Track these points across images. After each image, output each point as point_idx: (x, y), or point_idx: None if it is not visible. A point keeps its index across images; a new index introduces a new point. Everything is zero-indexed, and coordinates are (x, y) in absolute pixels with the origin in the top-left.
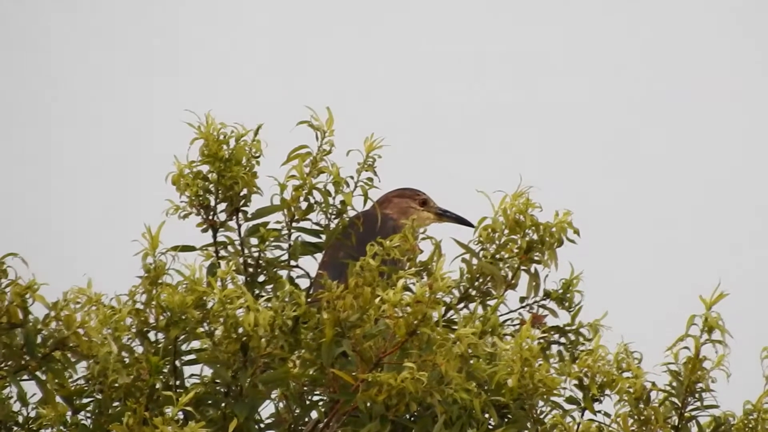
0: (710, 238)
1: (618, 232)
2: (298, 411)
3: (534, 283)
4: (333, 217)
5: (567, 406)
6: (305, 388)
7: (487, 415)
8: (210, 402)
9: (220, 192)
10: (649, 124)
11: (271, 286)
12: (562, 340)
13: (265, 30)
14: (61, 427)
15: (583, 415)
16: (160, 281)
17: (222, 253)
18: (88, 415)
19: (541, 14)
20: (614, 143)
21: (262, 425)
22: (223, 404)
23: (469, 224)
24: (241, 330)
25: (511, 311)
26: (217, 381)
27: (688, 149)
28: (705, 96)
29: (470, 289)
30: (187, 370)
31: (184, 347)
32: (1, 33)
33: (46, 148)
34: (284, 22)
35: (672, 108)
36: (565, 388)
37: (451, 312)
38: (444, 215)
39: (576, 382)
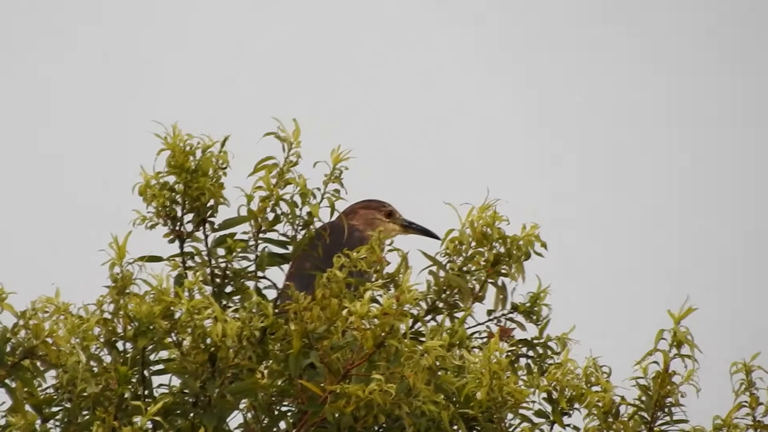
0: (678, 252)
1: (586, 245)
2: (266, 422)
3: (501, 296)
4: (300, 228)
5: (536, 420)
6: (273, 399)
7: (455, 428)
8: (178, 412)
9: (186, 203)
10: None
11: (239, 296)
12: (530, 353)
13: (231, 40)
14: None
15: (552, 428)
16: (127, 291)
17: (189, 263)
18: (57, 423)
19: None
20: (583, 154)
21: None
22: (191, 414)
23: (434, 236)
24: (209, 340)
25: (479, 324)
26: (186, 391)
27: (657, 157)
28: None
29: (437, 302)
30: (156, 380)
31: (152, 357)
32: None
33: (17, 151)
34: (251, 32)
35: (624, 123)
36: (534, 402)
37: (419, 324)
38: (410, 227)
39: (545, 395)
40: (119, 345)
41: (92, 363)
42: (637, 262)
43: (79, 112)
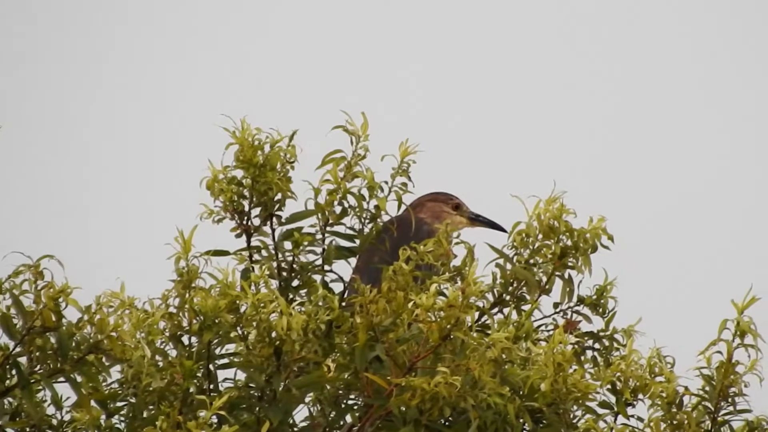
0: (744, 243)
1: (650, 237)
2: (332, 415)
3: (568, 289)
4: (367, 221)
5: (600, 411)
6: (339, 393)
7: (521, 420)
8: (244, 406)
9: (254, 197)
10: (691, 133)
11: (305, 290)
12: (596, 345)
13: (299, 34)
14: (95, 431)
15: (616, 419)
16: (193, 285)
17: (256, 257)
18: (122, 418)
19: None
20: (649, 146)
21: (295, 429)
22: (256, 408)
23: (501, 229)
24: (274, 334)
25: (545, 317)
26: (251, 385)
27: (727, 155)
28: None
29: (504, 294)
30: (221, 374)
31: (217, 351)
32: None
33: (81, 150)
34: (318, 25)
35: (722, 116)
36: (598, 393)
37: (485, 317)
38: (477, 220)
39: (609, 386)
40: (184, 339)
41: (157, 357)
42: (702, 253)
43: (147, 107)
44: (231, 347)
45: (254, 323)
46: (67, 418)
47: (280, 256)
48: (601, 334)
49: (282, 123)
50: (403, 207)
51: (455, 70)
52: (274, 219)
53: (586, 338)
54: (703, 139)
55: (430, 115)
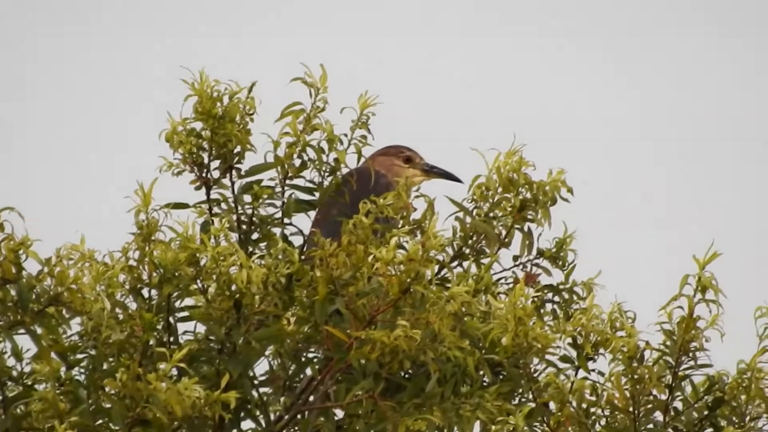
0: (704, 197)
1: (611, 191)
2: (292, 368)
3: (527, 242)
4: (326, 174)
5: (561, 365)
6: (299, 346)
7: (481, 373)
8: (203, 359)
9: (213, 149)
10: (650, 79)
11: (265, 243)
12: (556, 298)
13: None
14: (55, 383)
15: (576, 373)
16: (153, 238)
17: (215, 210)
18: (82, 370)
19: None
20: (607, 95)
21: (255, 382)
22: (216, 361)
23: (457, 180)
24: (234, 287)
25: (505, 270)
26: (211, 338)
27: (684, 103)
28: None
29: (463, 248)
30: (181, 327)
31: (177, 304)
32: None
33: (41, 102)
34: None
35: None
36: (558, 347)
37: (445, 270)
38: (431, 171)
39: (570, 340)
40: (144, 292)
41: (117, 310)
42: (663, 208)
43: (104, 61)
44: (191, 300)
45: (214, 276)
46: (27, 369)
47: (239, 209)
48: (561, 287)
49: (241, 75)
50: (362, 161)
51: (414, 19)
52: (234, 172)
53: (546, 291)
54: (664, 85)
55: (390, 68)
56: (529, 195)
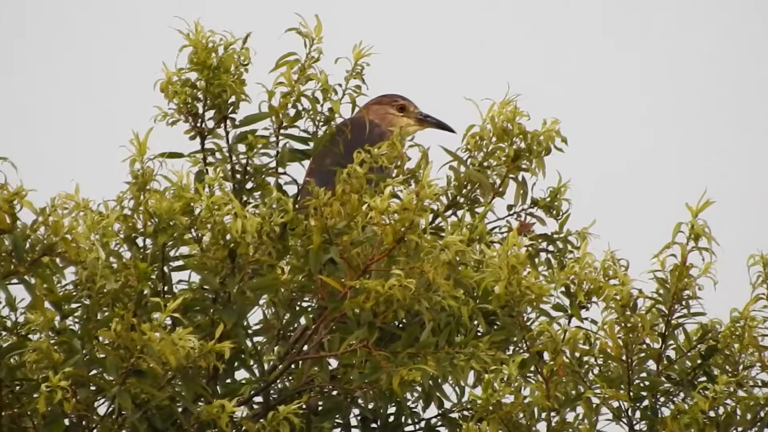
0: (698, 147)
1: (605, 140)
2: (286, 317)
3: (521, 191)
4: (321, 124)
5: (554, 314)
6: (293, 295)
7: (475, 322)
8: (198, 308)
9: (208, 99)
10: (645, 34)
11: (259, 193)
12: (550, 247)
13: None
14: (50, 332)
15: (570, 322)
16: (147, 187)
17: (210, 159)
18: (77, 320)
19: None
20: (602, 48)
21: (250, 331)
22: (211, 310)
23: (450, 129)
24: (228, 237)
25: (499, 219)
26: (205, 287)
27: (681, 58)
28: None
29: (458, 197)
30: (175, 276)
31: (172, 253)
32: None
33: (36, 53)
34: None
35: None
36: (552, 296)
37: (439, 219)
38: (425, 120)
39: (563, 289)
40: (139, 241)
41: (112, 259)
42: (657, 156)
43: (100, 9)
44: (185, 249)
45: (209, 226)
46: (21, 319)
47: (234, 158)
48: (555, 236)
49: (236, 25)
50: (356, 110)
51: None
52: (228, 121)
53: (540, 240)
54: (660, 43)
55: (386, 17)
56: (523, 145)
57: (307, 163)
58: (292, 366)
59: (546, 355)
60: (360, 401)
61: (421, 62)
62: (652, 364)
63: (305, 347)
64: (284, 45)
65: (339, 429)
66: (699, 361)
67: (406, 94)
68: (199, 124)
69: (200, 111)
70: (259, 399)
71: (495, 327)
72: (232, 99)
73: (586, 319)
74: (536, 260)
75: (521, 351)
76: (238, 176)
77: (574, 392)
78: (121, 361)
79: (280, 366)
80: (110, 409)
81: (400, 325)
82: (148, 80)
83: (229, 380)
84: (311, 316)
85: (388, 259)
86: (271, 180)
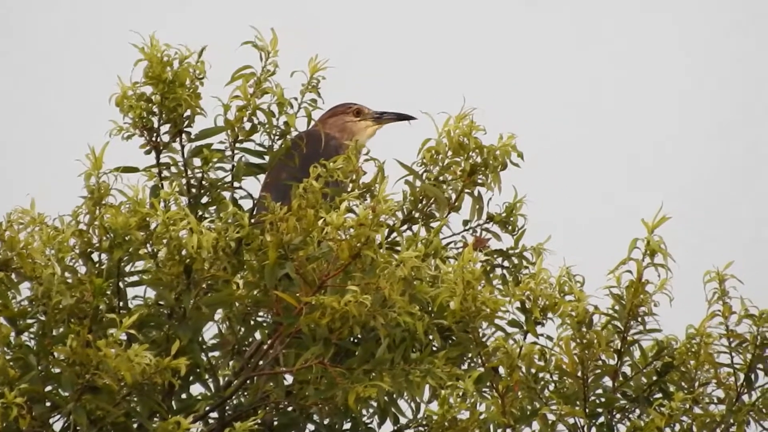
0: (653, 161)
1: (560, 155)
2: (241, 332)
3: (477, 206)
4: (276, 138)
5: (510, 330)
6: (249, 310)
7: (430, 338)
8: (153, 324)
9: (163, 113)
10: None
11: (215, 207)
12: (506, 263)
13: None
14: (5, 348)
15: (525, 338)
16: (103, 202)
17: (165, 174)
18: (32, 336)
19: None
20: (560, 66)
21: (205, 347)
22: (166, 326)
23: (409, 117)
24: (184, 252)
25: (455, 234)
26: (161, 303)
27: (637, 77)
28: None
29: (413, 212)
30: (131, 292)
31: (127, 269)
32: None
33: None
34: None
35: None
36: (507, 312)
37: (394, 234)
38: (382, 118)
39: (519, 305)
40: (94, 256)
41: (67, 275)
42: (612, 171)
43: (53, 21)
44: (141, 265)
45: (164, 241)
46: None
47: (189, 172)
48: (511, 251)
49: (191, 39)
50: (312, 124)
51: None
52: (184, 135)
53: (495, 256)
54: (609, 53)
55: (340, 32)
56: (479, 159)
57: (262, 177)
58: (248, 381)
59: (502, 371)
60: (316, 417)
61: (374, 74)
62: (608, 381)
63: (261, 363)
64: (240, 58)
65: None
66: (655, 378)
67: (358, 100)
68: (154, 138)
69: (155, 125)
70: (214, 415)
71: (450, 342)
72: (188, 113)
73: (542, 335)
74: (492, 276)
75: (477, 366)
76: (194, 190)
77: (530, 408)
78: (77, 377)
79: (236, 382)
80: (66, 425)
81: (356, 341)
82: (103, 94)
83: (184, 396)
84: (267, 331)
85: (343, 274)
86: (227, 194)
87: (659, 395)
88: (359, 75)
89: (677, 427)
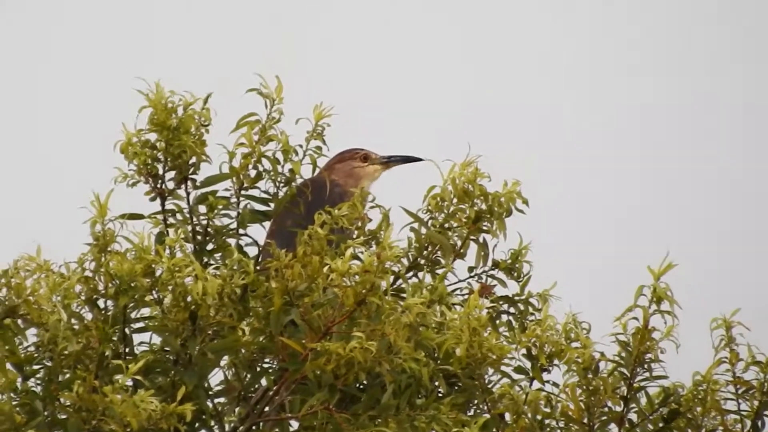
0: (660, 209)
1: (567, 202)
2: (247, 379)
3: (483, 253)
4: (282, 185)
5: (516, 376)
6: (254, 356)
7: (436, 384)
8: (159, 370)
9: (168, 160)
10: (600, 92)
11: (220, 254)
12: (511, 309)
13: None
14: (12, 394)
15: (531, 384)
16: (109, 249)
17: (170, 221)
18: (38, 382)
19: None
20: (564, 111)
21: (211, 393)
22: (172, 372)
23: (416, 159)
24: (189, 298)
25: (460, 281)
26: (167, 349)
27: (641, 119)
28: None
29: (419, 259)
30: (137, 338)
31: (133, 315)
32: None
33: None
34: None
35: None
36: (513, 358)
37: (400, 281)
38: (390, 161)
39: (524, 351)
40: (100, 303)
41: (73, 321)
42: (618, 219)
43: (59, 69)
44: (146, 311)
45: (170, 287)
46: None
47: (194, 219)
48: (516, 298)
49: (196, 86)
50: (317, 171)
51: (366, 32)
52: (189, 182)
53: (501, 302)
54: (616, 100)
55: (346, 79)
56: (484, 206)
57: (267, 224)
58: (254, 428)
59: (508, 417)
60: None
61: (380, 122)
62: (614, 428)
63: (266, 409)
64: (245, 105)
65: None
66: (661, 425)
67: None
68: (159, 185)
69: (160, 172)
70: None
71: (456, 389)
72: (193, 160)
73: (548, 381)
74: (497, 322)
75: (483, 413)
76: (199, 237)
77: None
78: (83, 423)
79: (242, 428)
80: None
81: (362, 387)
82: (108, 141)
83: None
84: (272, 377)
85: (349, 321)
86: (232, 241)
87: None
88: (364, 121)
89: None
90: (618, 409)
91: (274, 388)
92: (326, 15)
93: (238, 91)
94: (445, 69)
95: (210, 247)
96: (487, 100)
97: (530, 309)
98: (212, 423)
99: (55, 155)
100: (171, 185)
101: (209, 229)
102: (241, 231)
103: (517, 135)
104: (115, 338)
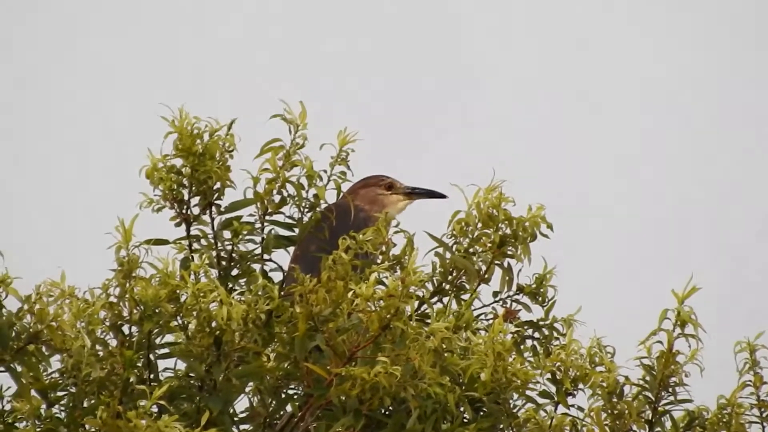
0: (684, 232)
1: (591, 226)
2: (272, 405)
3: (507, 278)
4: (306, 210)
5: (540, 400)
6: (279, 382)
7: (461, 409)
8: (184, 396)
9: (193, 186)
10: (630, 117)
11: (245, 279)
12: (536, 334)
13: (240, 25)
14: (36, 420)
15: (556, 409)
16: (133, 274)
17: (195, 246)
18: (63, 408)
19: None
20: (589, 135)
21: (236, 419)
22: (197, 398)
23: (440, 196)
24: (214, 324)
25: (485, 306)
26: (191, 375)
27: (664, 144)
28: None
29: (443, 283)
30: (161, 364)
31: (157, 341)
32: None
33: (19, 141)
34: (259, 17)
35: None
36: (538, 383)
37: (425, 306)
38: (413, 193)
39: (549, 376)
40: (125, 329)
41: (97, 347)
42: (642, 241)
43: (84, 94)
44: (171, 337)
45: (194, 313)
46: (7, 407)
47: (219, 245)
48: (541, 323)
49: (221, 112)
50: (341, 195)
51: (389, 54)
52: (214, 208)
53: (525, 327)
54: (638, 124)
55: (368, 103)
56: (508, 231)
57: (292, 249)
58: None
59: None
60: None
61: (403, 146)
62: None
63: None
64: (269, 130)
65: None
66: None
67: (389, 173)
68: (184, 211)
69: (185, 197)
70: None
71: (481, 414)
72: (218, 185)
73: (573, 405)
74: (522, 347)
75: None
76: (224, 263)
77: None
78: None
79: None
80: None
81: (387, 413)
82: (134, 167)
83: None
84: (297, 403)
85: (373, 346)
86: (257, 266)
87: None
88: (387, 146)
89: None
90: None
91: (299, 413)
92: (343, 39)
93: (263, 116)
94: (469, 93)
95: (235, 272)
96: (513, 122)
97: (555, 333)
98: None
99: (79, 181)
100: (196, 211)
101: (234, 255)
102: (265, 256)
103: (539, 159)
104: (139, 364)
